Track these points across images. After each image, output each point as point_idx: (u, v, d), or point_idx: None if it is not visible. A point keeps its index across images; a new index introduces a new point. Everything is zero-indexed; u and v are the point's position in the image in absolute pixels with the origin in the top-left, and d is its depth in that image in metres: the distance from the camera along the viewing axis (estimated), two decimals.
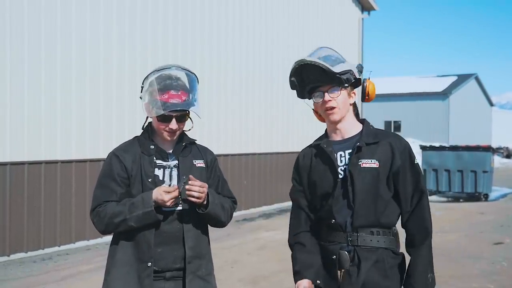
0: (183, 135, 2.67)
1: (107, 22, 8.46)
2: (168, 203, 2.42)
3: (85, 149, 8.10)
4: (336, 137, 2.48)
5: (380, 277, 2.32)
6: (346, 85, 2.40)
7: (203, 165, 2.64)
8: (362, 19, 16.65)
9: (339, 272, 2.38)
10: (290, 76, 2.45)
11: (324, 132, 2.55)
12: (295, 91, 2.53)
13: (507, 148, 36.29)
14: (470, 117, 39.07)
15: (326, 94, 2.39)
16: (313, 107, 2.54)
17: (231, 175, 10.74)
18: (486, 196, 13.83)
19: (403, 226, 2.41)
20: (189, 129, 2.70)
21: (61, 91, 7.79)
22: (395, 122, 37.72)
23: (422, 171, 2.46)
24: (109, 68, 8.50)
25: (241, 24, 11.64)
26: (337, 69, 2.34)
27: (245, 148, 11.61)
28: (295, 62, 2.40)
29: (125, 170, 2.53)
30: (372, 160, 2.35)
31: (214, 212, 2.53)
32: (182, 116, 2.53)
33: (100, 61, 8.36)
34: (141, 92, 2.57)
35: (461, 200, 14.09)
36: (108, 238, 2.64)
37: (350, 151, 2.40)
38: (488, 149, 13.86)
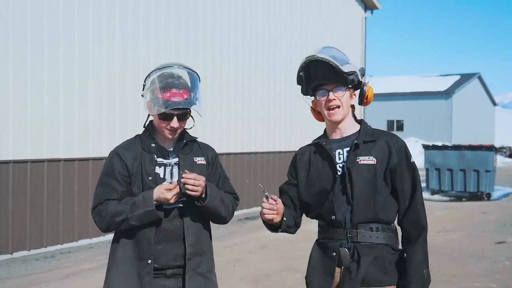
0: (184, 133, 2.68)
1: (110, 22, 8.47)
2: (171, 201, 2.44)
3: (88, 148, 8.12)
4: (335, 136, 2.51)
5: (380, 273, 2.34)
6: (350, 86, 2.43)
7: (204, 162, 2.65)
8: (365, 18, 16.61)
9: (338, 269, 2.40)
10: (299, 71, 2.47)
11: (323, 132, 2.58)
12: (299, 87, 2.54)
13: (509, 147, 36.21)
14: (473, 117, 39.01)
15: (330, 92, 2.41)
16: (311, 105, 2.56)
17: (234, 173, 10.75)
18: (488, 196, 13.81)
19: (398, 223, 2.44)
20: (191, 128, 2.70)
21: (64, 90, 7.81)
22: (397, 121, 37.70)
23: (418, 168, 2.48)
24: (112, 68, 8.52)
25: (244, 24, 11.64)
26: (345, 68, 2.37)
27: (248, 147, 11.62)
28: (306, 57, 2.41)
29: (126, 168, 2.54)
30: (370, 157, 2.38)
31: (213, 206, 2.53)
32: (184, 114, 2.54)
33: (103, 61, 8.38)
34: (143, 90, 2.58)
35: (463, 199, 14.07)
36: (111, 236, 2.66)
37: (348, 149, 2.44)
38: (491, 148, 13.84)
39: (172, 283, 2.52)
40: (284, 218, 2.44)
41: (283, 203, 2.47)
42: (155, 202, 2.43)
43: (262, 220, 2.43)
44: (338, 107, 2.42)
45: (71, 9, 7.88)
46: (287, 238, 8.55)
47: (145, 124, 2.69)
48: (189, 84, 2.54)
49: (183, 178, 2.43)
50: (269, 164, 12.28)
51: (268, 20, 12.39)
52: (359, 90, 2.54)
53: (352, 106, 2.52)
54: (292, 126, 13.11)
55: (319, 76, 2.42)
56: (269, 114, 12.36)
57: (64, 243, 7.81)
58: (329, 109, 2.43)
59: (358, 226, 2.37)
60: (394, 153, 2.39)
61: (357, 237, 2.36)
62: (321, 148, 2.49)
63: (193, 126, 2.70)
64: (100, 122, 8.32)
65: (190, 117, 2.63)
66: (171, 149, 2.62)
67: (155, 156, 2.57)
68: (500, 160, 26.21)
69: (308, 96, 2.57)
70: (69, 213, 7.86)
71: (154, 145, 2.58)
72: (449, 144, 16.00)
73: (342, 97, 2.42)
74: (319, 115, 2.55)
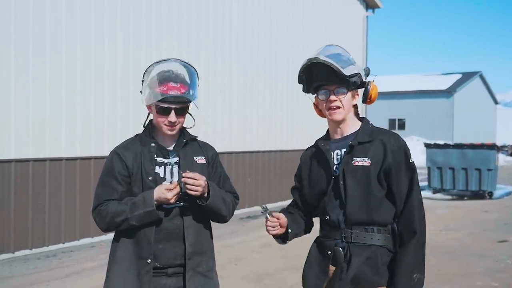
0: (184, 132, 2.68)
1: (111, 22, 8.48)
2: (171, 201, 2.44)
3: (90, 147, 8.14)
4: (336, 136, 2.52)
5: (372, 274, 2.33)
6: (353, 87, 2.43)
7: (204, 161, 2.65)
8: (367, 17, 16.60)
9: (332, 267, 2.42)
10: (300, 72, 2.46)
11: (326, 132, 2.59)
12: (301, 85, 2.54)
13: (511, 146, 36.17)
14: (475, 115, 38.98)
15: (331, 93, 2.41)
16: (314, 101, 2.56)
17: (235, 172, 10.76)
18: (490, 194, 13.79)
19: (395, 224, 2.42)
20: (191, 127, 2.70)
21: (66, 90, 7.82)
22: (399, 120, 37.68)
23: (417, 169, 2.45)
24: (114, 67, 8.52)
25: (246, 24, 11.63)
26: (347, 71, 2.35)
27: (249, 146, 11.63)
28: (308, 59, 2.39)
29: (126, 168, 2.54)
30: (365, 158, 2.38)
31: (215, 205, 2.54)
32: (182, 109, 2.53)
33: (105, 61, 8.38)
34: (142, 85, 2.58)
35: (465, 198, 14.06)
36: (112, 235, 2.67)
37: (345, 149, 2.44)
38: (492, 147, 13.82)
39: (173, 281, 2.53)
40: (289, 230, 2.52)
41: (288, 212, 2.60)
42: (155, 202, 2.43)
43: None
44: (339, 107, 2.42)
45: (73, 9, 7.88)
46: None
47: (145, 123, 2.69)
48: (186, 78, 2.53)
49: (183, 177, 2.44)
50: (271, 163, 12.28)
51: (270, 20, 12.38)
52: (363, 89, 2.53)
53: (355, 106, 2.52)
54: (294, 125, 13.11)
55: (320, 77, 2.41)
56: (271, 114, 12.36)
57: (66, 242, 7.82)
58: (330, 109, 2.43)
59: (353, 226, 2.38)
60: (389, 153, 2.37)
61: (351, 237, 2.38)
62: (319, 149, 2.51)
63: (194, 125, 2.70)
64: (102, 121, 8.33)
65: (190, 116, 2.63)
66: (171, 148, 2.62)
67: (155, 156, 2.56)
68: (502, 159, 26.19)
69: (310, 94, 2.57)
70: (71, 212, 7.87)
71: (154, 144, 2.58)
72: (451, 143, 16.00)
73: (344, 98, 2.41)
74: (321, 112, 2.55)
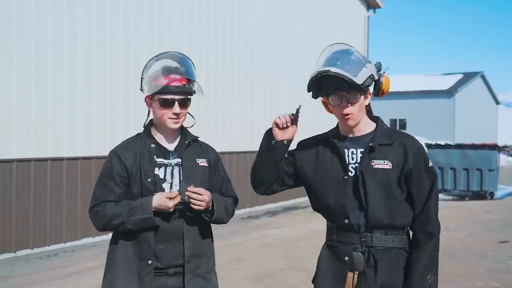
0: (185, 132, 2.67)
1: (113, 22, 8.49)
2: (172, 209, 2.44)
3: (91, 147, 8.15)
4: (349, 134, 2.42)
5: (395, 277, 2.30)
6: (365, 90, 2.34)
7: (206, 164, 2.62)
8: (368, 17, 16.60)
9: (350, 274, 2.34)
10: (310, 83, 2.35)
11: (335, 126, 2.49)
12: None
13: None
14: (476, 115, 38.92)
15: (344, 99, 2.31)
16: (322, 99, 2.47)
17: (236, 172, 10.76)
18: (491, 195, 13.79)
19: (410, 226, 2.39)
20: (191, 126, 2.69)
21: (67, 90, 7.83)
22: (400, 120, 37.63)
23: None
24: (115, 68, 8.53)
25: (246, 24, 11.64)
26: (360, 79, 2.26)
27: (250, 147, 11.62)
28: (318, 71, 2.28)
29: (125, 169, 2.52)
30: (385, 161, 2.31)
31: (219, 218, 2.54)
32: (185, 101, 2.52)
33: (106, 61, 8.39)
34: (141, 82, 2.58)
35: (466, 198, 14.05)
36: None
37: (362, 150, 2.36)
38: (494, 147, 13.82)
39: (174, 281, 2.52)
40: (285, 142, 2.52)
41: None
42: (153, 209, 2.42)
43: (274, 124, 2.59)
44: (352, 114, 2.33)
45: (74, 9, 7.89)
46: (290, 237, 8.57)
47: (145, 123, 2.67)
48: (187, 70, 2.54)
49: (187, 191, 2.42)
50: None
51: (271, 20, 12.38)
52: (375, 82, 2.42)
53: (367, 105, 2.43)
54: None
55: (331, 87, 2.31)
56: (272, 114, 12.26)
57: (67, 241, 7.83)
58: (342, 115, 2.34)
59: (373, 230, 2.31)
60: (410, 157, 2.31)
61: (372, 242, 2.30)
62: (332, 145, 2.41)
63: (194, 124, 2.69)
64: (103, 121, 8.34)
65: (191, 116, 2.63)
66: (172, 149, 2.60)
67: (155, 157, 2.54)
68: (503, 159, 26.18)
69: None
70: (72, 211, 7.88)
71: (154, 145, 2.56)
72: (452, 143, 15.98)
73: (356, 104, 2.32)
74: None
